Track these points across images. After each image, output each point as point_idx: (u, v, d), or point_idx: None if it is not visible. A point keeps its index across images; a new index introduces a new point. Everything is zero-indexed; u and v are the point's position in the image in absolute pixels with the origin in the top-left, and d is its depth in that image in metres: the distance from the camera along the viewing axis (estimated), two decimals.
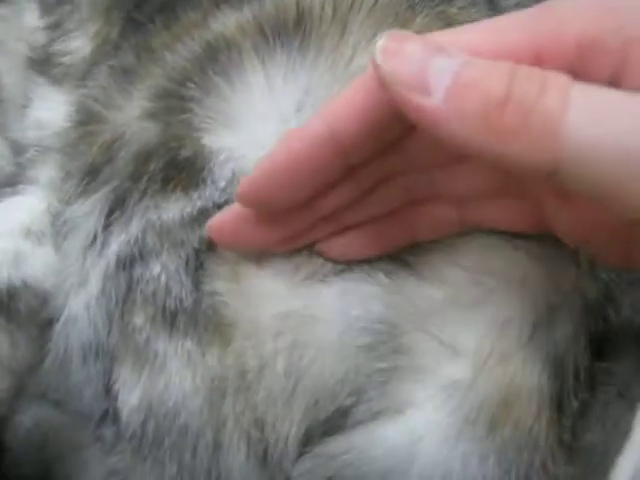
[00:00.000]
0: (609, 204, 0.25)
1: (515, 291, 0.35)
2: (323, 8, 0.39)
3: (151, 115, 0.39)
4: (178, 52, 0.40)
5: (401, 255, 0.35)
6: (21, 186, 0.45)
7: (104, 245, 0.39)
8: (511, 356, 0.34)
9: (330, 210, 0.34)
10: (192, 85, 0.38)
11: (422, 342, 0.34)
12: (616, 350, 0.37)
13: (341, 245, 0.35)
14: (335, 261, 0.35)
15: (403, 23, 0.39)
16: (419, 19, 0.39)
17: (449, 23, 0.39)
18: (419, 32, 0.33)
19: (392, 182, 0.34)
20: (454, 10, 0.40)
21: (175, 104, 0.38)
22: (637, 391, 0.36)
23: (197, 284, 0.36)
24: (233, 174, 0.37)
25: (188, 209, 0.37)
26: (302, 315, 0.35)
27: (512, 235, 0.35)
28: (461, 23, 0.30)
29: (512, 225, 0.34)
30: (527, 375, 0.34)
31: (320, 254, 0.35)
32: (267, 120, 0.37)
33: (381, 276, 0.35)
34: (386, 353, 0.34)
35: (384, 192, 0.34)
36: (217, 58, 0.38)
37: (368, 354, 0.34)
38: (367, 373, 0.34)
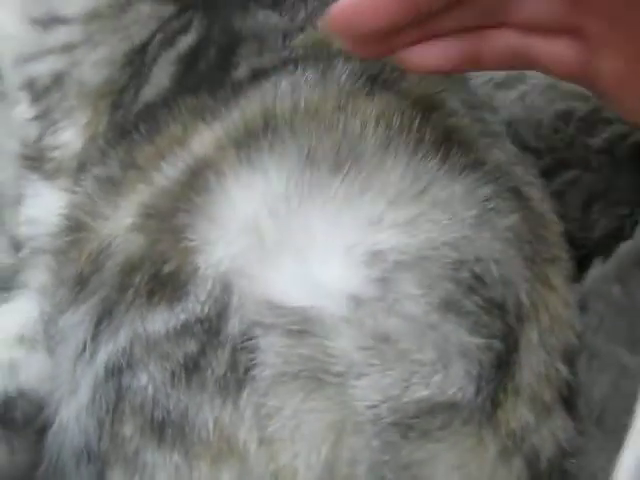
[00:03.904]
0: None
1: None
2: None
3: (138, 229, 0.41)
4: (163, 171, 0.42)
5: None
6: (15, 291, 0.47)
7: (93, 354, 0.40)
8: None
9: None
10: (182, 214, 0.40)
11: None
12: None
13: (421, 51, 0.39)
14: (410, 70, 0.41)
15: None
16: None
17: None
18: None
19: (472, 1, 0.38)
20: None
21: (165, 226, 0.41)
22: None
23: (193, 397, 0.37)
24: (213, 286, 0.38)
25: (172, 322, 0.38)
26: None
27: None
28: None
29: (563, 66, 0.39)
30: None
31: (400, 62, 0.40)
32: (246, 234, 0.39)
33: None
34: None
35: (465, 8, 0.38)
36: (200, 180, 0.41)
37: None
38: None
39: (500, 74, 0.58)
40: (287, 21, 0.53)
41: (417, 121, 0.43)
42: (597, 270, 0.48)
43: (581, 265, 0.51)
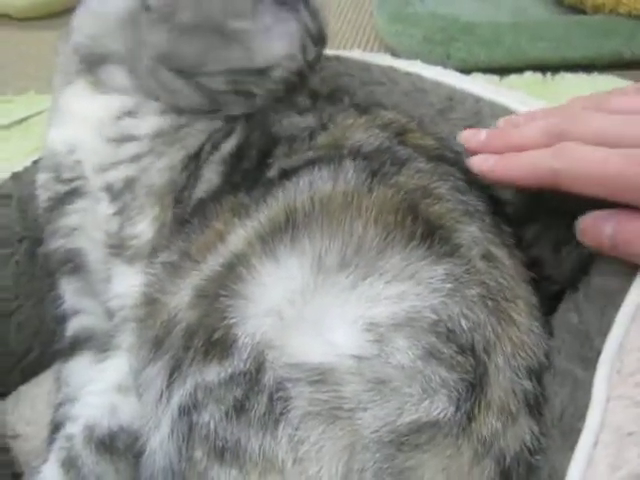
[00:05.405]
0: None
1: None
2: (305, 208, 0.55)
3: (194, 306, 0.55)
4: (208, 263, 0.56)
5: None
6: (111, 352, 0.62)
7: (169, 399, 0.54)
8: None
9: None
10: (223, 299, 0.54)
11: None
12: None
13: None
14: None
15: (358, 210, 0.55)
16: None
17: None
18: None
19: None
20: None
21: (212, 307, 0.54)
22: None
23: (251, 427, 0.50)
24: (252, 349, 0.51)
25: (222, 374, 0.52)
26: None
27: None
28: None
29: None
30: None
31: None
32: (271, 315, 0.53)
33: None
34: None
35: None
36: (235, 272, 0.54)
37: None
38: None
39: None
40: (314, 121, 0.67)
41: (409, 218, 0.55)
42: (565, 302, 0.59)
43: (558, 297, 0.62)
